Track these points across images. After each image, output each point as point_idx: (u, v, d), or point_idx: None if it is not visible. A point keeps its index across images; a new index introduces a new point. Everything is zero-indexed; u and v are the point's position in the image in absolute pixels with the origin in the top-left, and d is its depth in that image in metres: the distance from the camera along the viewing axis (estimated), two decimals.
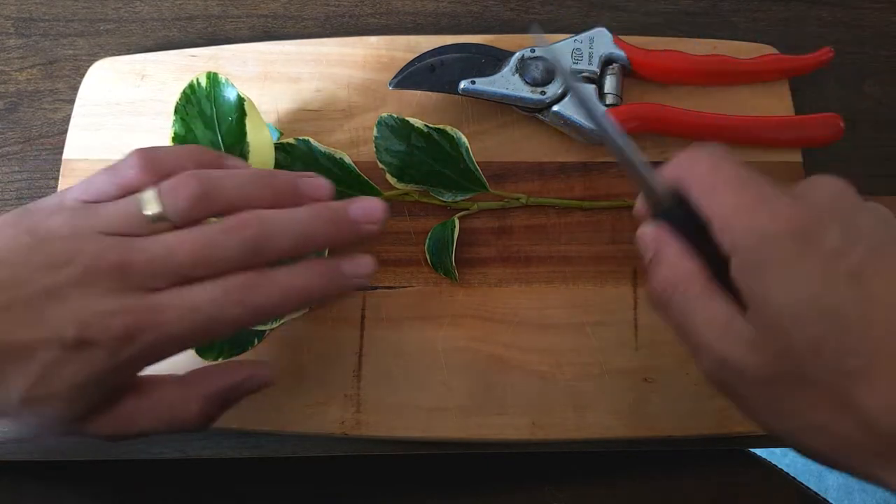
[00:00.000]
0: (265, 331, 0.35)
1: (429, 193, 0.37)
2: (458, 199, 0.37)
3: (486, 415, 0.35)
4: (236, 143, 0.34)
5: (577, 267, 0.36)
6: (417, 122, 0.36)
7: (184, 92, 0.35)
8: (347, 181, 0.36)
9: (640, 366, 0.35)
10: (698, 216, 0.25)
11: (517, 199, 0.37)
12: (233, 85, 0.35)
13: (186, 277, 0.26)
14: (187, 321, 0.26)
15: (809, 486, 0.38)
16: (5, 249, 0.26)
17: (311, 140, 0.37)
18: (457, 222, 0.36)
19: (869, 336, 0.22)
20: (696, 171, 0.26)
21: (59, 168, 0.39)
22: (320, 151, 0.37)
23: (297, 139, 0.37)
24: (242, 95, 0.35)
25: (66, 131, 0.40)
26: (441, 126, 0.36)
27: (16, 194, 0.40)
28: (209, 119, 0.35)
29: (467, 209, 0.37)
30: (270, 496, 0.40)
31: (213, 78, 0.35)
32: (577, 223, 0.37)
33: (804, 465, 1.02)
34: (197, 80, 0.35)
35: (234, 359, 0.35)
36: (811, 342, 0.22)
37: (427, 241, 0.36)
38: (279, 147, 0.37)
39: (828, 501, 0.37)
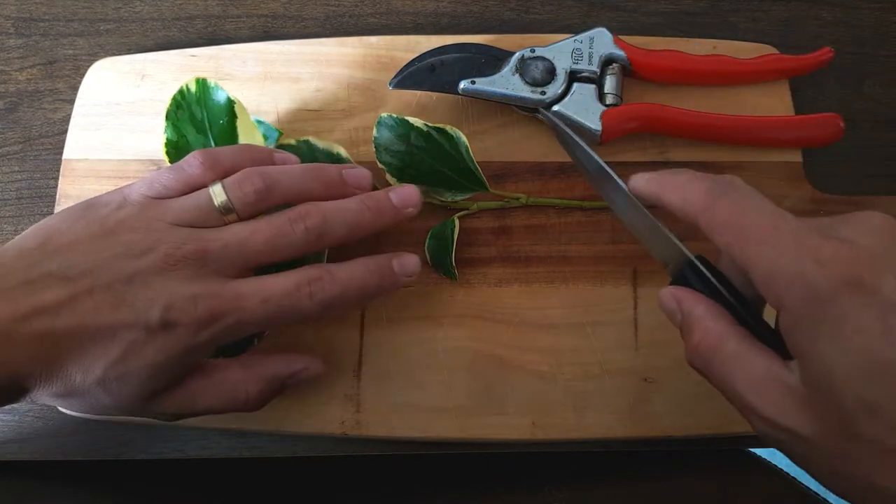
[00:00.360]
0: (264, 332, 0.35)
1: (428, 193, 0.37)
2: (458, 198, 0.37)
3: (486, 415, 0.35)
4: (228, 144, 0.35)
5: (577, 267, 0.36)
6: (417, 122, 0.36)
7: (174, 98, 0.35)
8: None
9: (640, 366, 0.35)
10: (728, 284, 0.24)
11: (517, 198, 0.37)
12: (222, 88, 0.35)
13: (257, 264, 0.29)
14: (263, 309, 0.28)
15: (810, 486, 0.38)
16: (81, 240, 0.28)
17: (311, 139, 0.37)
18: (457, 222, 0.36)
19: None
20: (717, 217, 0.25)
21: (59, 168, 0.39)
22: (319, 149, 0.36)
23: (297, 140, 0.37)
24: (232, 98, 0.35)
25: (66, 131, 0.40)
26: (440, 125, 0.36)
27: (16, 194, 0.40)
28: (200, 123, 0.35)
29: (467, 209, 0.37)
30: (270, 496, 0.40)
31: (201, 83, 0.35)
32: (577, 223, 0.37)
33: None
34: (186, 86, 0.35)
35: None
36: (866, 402, 0.21)
37: (427, 241, 0.36)
38: (280, 147, 0.36)
39: (828, 501, 0.37)
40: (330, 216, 0.30)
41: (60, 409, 0.35)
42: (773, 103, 0.39)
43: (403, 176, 0.36)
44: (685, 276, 0.26)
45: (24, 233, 0.29)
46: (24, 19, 0.43)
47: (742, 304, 0.25)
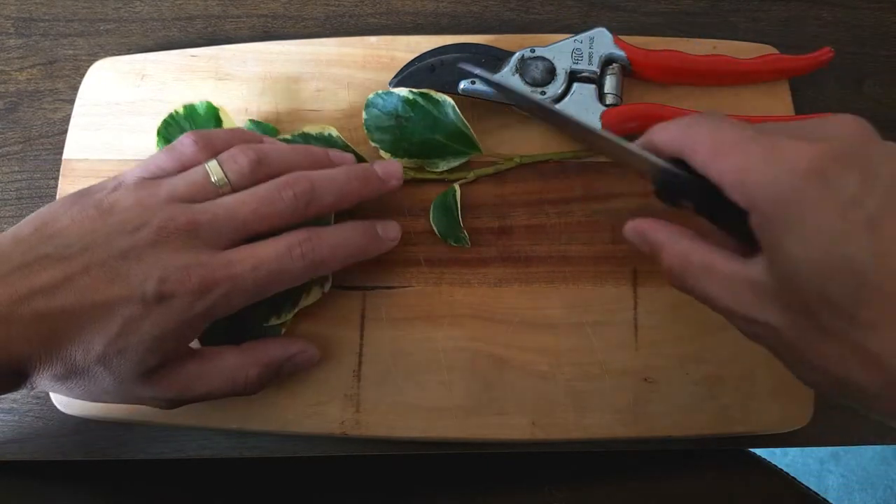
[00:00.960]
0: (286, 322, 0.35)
1: (423, 168, 0.37)
2: (454, 165, 0.37)
3: (486, 415, 0.35)
4: None
5: (577, 267, 0.36)
6: (402, 91, 0.37)
7: (164, 120, 0.37)
8: None
9: (640, 366, 0.35)
10: (705, 179, 0.25)
11: (511, 159, 0.37)
12: (205, 102, 0.37)
13: (247, 233, 0.30)
14: (256, 274, 0.29)
15: (809, 486, 0.38)
16: (75, 222, 0.29)
17: (306, 129, 0.37)
18: (457, 188, 0.36)
19: (883, 287, 0.21)
20: (696, 138, 0.26)
21: (59, 168, 0.39)
22: (313, 136, 0.37)
23: (293, 134, 0.37)
24: (215, 105, 0.37)
25: (66, 131, 0.40)
26: (425, 91, 0.36)
27: (16, 194, 0.40)
28: None
29: (464, 177, 0.37)
30: (270, 496, 0.40)
31: (188, 107, 0.37)
32: (577, 223, 0.37)
33: (804, 465, 1.02)
34: (175, 110, 0.37)
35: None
36: (825, 295, 0.22)
37: (431, 214, 0.36)
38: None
39: (828, 501, 0.37)
40: (318, 183, 0.31)
41: (59, 398, 0.35)
42: (773, 103, 0.39)
43: (398, 150, 0.37)
44: (666, 183, 0.27)
45: (19, 222, 0.30)
46: (24, 19, 0.43)
47: (717, 196, 0.25)
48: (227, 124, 0.37)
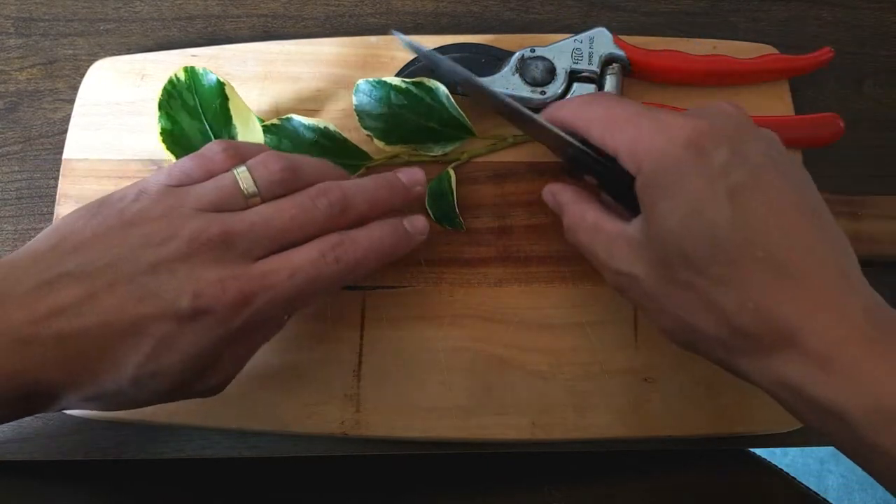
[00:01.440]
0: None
1: (418, 152, 0.37)
2: (448, 149, 0.37)
3: (486, 415, 0.35)
4: (223, 128, 0.35)
5: (577, 267, 0.36)
6: (394, 80, 0.36)
7: (164, 88, 0.35)
8: (335, 149, 0.36)
9: (640, 366, 0.35)
10: (603, 152, 0.29)
11: (505, 139, 0.37)
12: (211, 71, 0.35)
13: (283, 243, 0.28)
14: (292, 282, 0.28)
15: (809, 486, 0.38)
16: (97, 236, 0.27)
17: (294, 116, 0.36)
18: (451, 173, 0.36)
19: (732, 248, 0.25)
20: (592, 115, 0.30)
21: (59, 168, 0.39)
22: (303, 125, 0.36)
23: (280, 118, 0.37)
24: (222, 80, 0.35)
25: (66, 131, 0.40)
26: (418, 79, 0.36)
27: (16, 194, 0.40)
28: (193, 109, 0.35)
29: (458, 159, 0.37)
30: (270, 496, 0.40)
31: (190, 71, 0.35)
32: None
33: (804, 465, 1.02)
34: (175, 75, 0.35)
35: None
36: (684, 251, 0.26)
37: (427, 199, 0.36)
38: (265, 129, 0.36)
39: (828, 501, 0.37)
40: (349, 192, 0.30)
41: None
42: (774, 103, 0.39)
43: (390, 137, 0.37)
44: (573, 158, 0.31)
45: (36, 237, 0.28)
46: (24, 19, 0.43)
47: (613, 171, 0.30)
48: (235, 104, 0.35)
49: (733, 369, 0.27)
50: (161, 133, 0.35)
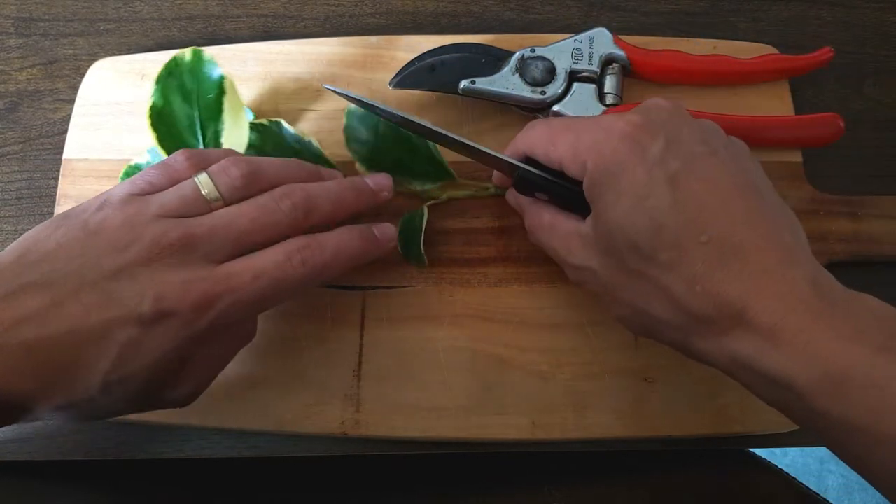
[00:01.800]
0: None
1: (401, 182, 0.37)
2: (426, 187, 0.37)
3: (486, 415, 0.35)
4: (212, 119, 0.35)
5: None
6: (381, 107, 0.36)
7: (167, 64, 0.35)
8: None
9: (640, 365, 0.35)
10: (548, 168, 0.31)
11: (486, 188, 0.37)
12: (216, 63, 0.35)
13: (245, 246, 0.28)
14: (257, 284, 0.27)
15: (809, 486, 0.38)
16: (61, 246, 0.27)
17: (283, 122, 0.37)
18: (425, 211, 0.36)
19: (676, 232, 0.26)
20: (533, 138, 0.31)
21: (59, 168, 0.39)
22: (290, 134, 0.37)
23: (269, 120, 0.37)
24: (224, 74, 0.35)
25: (66, 131, 0.40)
26: (405, 114, 0.36)
27: (16, 194, 0.40)
28: (188, 93, 0.35)
29: (437, 198, 0.37)
30: (270, 496, 0.40)
31: (197, 53, 0.35)
32: None
33: (804, 465, 1.02)
34: (182, 53, 0.35)
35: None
36: (631, 240, 0.27)
37: (398, 230, 0.36)
38: (252, 126, 0.36)
39: (828, 501, 0.37)
40: (313, 193, 0.30)
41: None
42: (774, 103, 0.39)
43: (372, 165, 0.37)
44: (523, 178, 0.32)
45: (2, 251, 0.28)
46: (24, 19, 0.43)
47: (564, 182, 0.31)
48: (229, 96, 0.35)
49: (691, 352, 0.28)
50: (150, 108, 0.35)
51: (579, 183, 0.29)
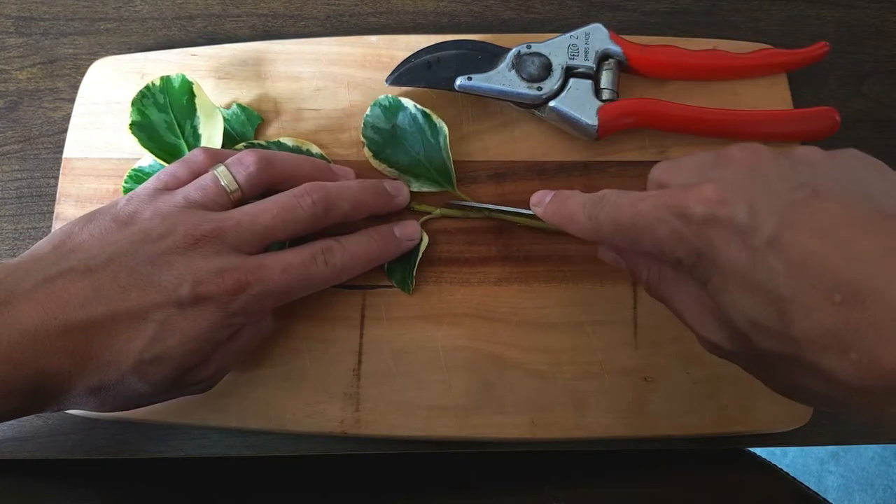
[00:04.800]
0: None
1: (400, 178, 0.37)
2: (424, 189, 0.37)
3: (486, 414, 0.35)
4: (187, 118, 0.37)
5: (576, 266, 0.36)
6: (408, 102, 0.37)
7: (140, 91, 0.37)
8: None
9: (640, 365, 0.35)
10: None
11: (480, 210, 0.37)
12: (181, 75, 0.37)
13: (269, 239, 0.31)
14: (284, 278, 0.30)
15: (809, 486, 0.38)
16: (94, 236, 0.29)
17: (281, 139, 0.38)
18: (425, 238, 0.36)
19: (802, 302, 0.21)
20: (603, 231, 0.28)
21: (60, 167, 0.39)
22: (289, 148, 0.38)
23: (267, 142, 0.38)
24: (189, 79, 0.37)
25: (66, 130, 0.40)
26: (429, 111, 0.37)
27: (16, 193, 0.40)
28: (162, 105, 0.37)
29: (430, 213, 0.37)
30: (270, 495, 0.40)
31: (165, 79, 0.37)
32: None
33: (804, 466, 1.02)
34: (152, 82, 0.37)
35: None
36: (751, 321, 0.23)
37: None
38: (251, 147, 0.37)
39: (828, 501, 0.37)
40: (333, 192, 0.32)
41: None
42: (771, 98, 0.39)
43: (381, 154, 0.37)
44: None
45: (34, 245, 0.29)
46: (24, 18, 0.43)
47: None
48: (200, 100, 0.37)
49: (887, 419, 0.23)
50: (131, 125, 0.36)
51: None
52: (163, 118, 0.37)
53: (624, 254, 0.31)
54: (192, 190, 0.31)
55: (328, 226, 0.32)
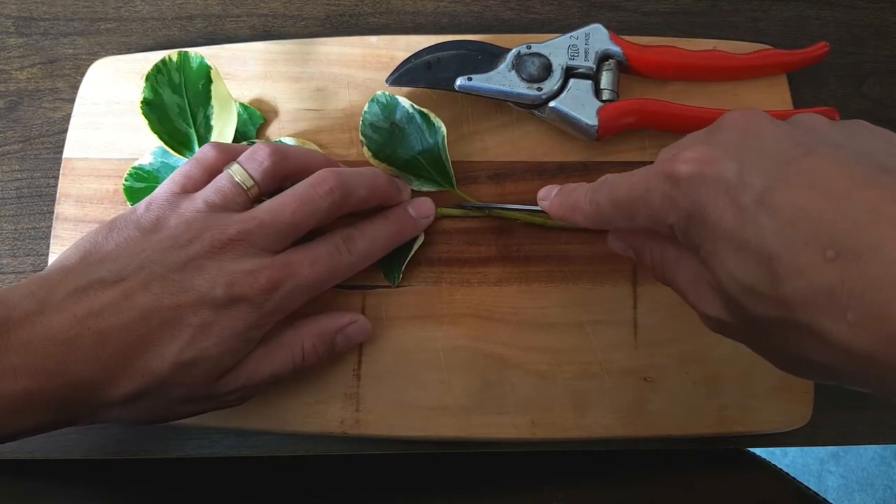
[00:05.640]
0: None
1: (401, 177, 0.37)
2: (424, 188, 0.37)
3: (486, 414, 0.35)
4: (201, 106, 0.37)
5: (576, 266, 0.36)
6: (405, 102, 0.37)
7: (155, 65, 0.37)
8: None
9: (640, 365, 0.35)
10: None
11: (482, 209, 0.37)
12: (201, 56, 0.36)
13: (294, 234, 0.31)
14: (314, 270, 0.30)
15: (809, 486, 0.38)
16: (122, 245, 0.29)
17: (283, 139, 0.37)
18: (422, 235, 0.36)
19: (794, 259, 0.20)
20: (602, 213, 0.28)
21: (60, 167, 0.39)
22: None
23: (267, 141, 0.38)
24: (209, 63, 0.36)
25: (66, 130, 0.40)
26: (426, 110, 0.36)
27: (16, 193, 0.40)
28: (177, 86, 0.37)
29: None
30: (270, 495, 0.40)
31: (183, 55, 0.37)
32: None
33: (804, 465, 1.02)
34: (169, 56, 0.37)
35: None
36: (742, 284, 0.22)
37: None
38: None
39: (828, 501, 0.37)
40: (348, 177, 0.32)
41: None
42: (771, 99, 0.39)
43: (380, 154, 0.37)
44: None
45: (58, 256, 0.29)
46: (24, 18, 0.43)
47: None
48: (217, 89, 0.36)
49: (885, 393, 0.21)
50: (142, 102, 0.36)
51: None
52: (175, 101, 0.36)
53: (629, 239, 0.31)
54: (210, 193, 0.31)
55: (345, 213, 0.32)
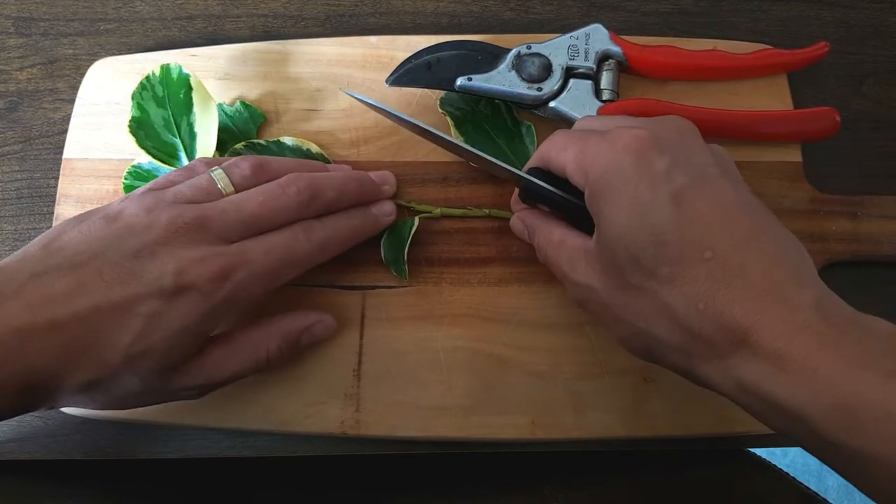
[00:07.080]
0: None
1: (400, 195, 0.37)
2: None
3: (486, 414, 0.35)
4: (184, 115, 0.37)
5: None
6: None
7: (140, 83, 0.37)
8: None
9: (640, 365, 0.35)
10: (557, 181, 0.31)
11: (482, 210, 0.37)
12: (179, 66, 0.37)
13: (255, 228, 0.30)
14: (268, 258, 0.30)
15: (809, 486, 0.38)
16: (82, 233, 0.28)
17: (281, 139, 0.38)
18: (416, 221, 0.36)
19: (678, 248, 0.25)
20: (549, 145, 0.31)
21: (60, 167, 0.39)
22: (289, 147, 0.38)
23: (267, 140, 0.38)
24: (187, 72, 0.37)
25: (66, 131, 0.40)
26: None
27: (16, 193, 0.40)
28: (161, 99, 0.37)
29: (430, 212, 0.37)
30: (270, 496, 0.40)
31: (164, 67, 0.37)
32: None
33: (804, 466, 1.02)
34: (152, 72, 0.37)
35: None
36: (632, 254, 0.26)
37: (384, 239, 0.36)
38: (251, 146, 0.38)
39: (828, 501, 0.37)
40: (318, 180, 0.32)
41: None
42: (772, 99, 0.39)
43: (463, 125, 0.38)
44: (527, 188, 0.32)
45: (27, 244, 0.29)
46: (24, 19, 0.43)
47: (569, 193, 0.31)
48: (197, 91, 0.37)
49: (696, 377, 0.27)
50: (130, 121, 0.37)
51: (583, 196, 0.29)
52: (161, 115, 0.37)
53: (529, 219, 0.34)
54: (183, 187, 0.31)
55: (314, 215, 0.32)
